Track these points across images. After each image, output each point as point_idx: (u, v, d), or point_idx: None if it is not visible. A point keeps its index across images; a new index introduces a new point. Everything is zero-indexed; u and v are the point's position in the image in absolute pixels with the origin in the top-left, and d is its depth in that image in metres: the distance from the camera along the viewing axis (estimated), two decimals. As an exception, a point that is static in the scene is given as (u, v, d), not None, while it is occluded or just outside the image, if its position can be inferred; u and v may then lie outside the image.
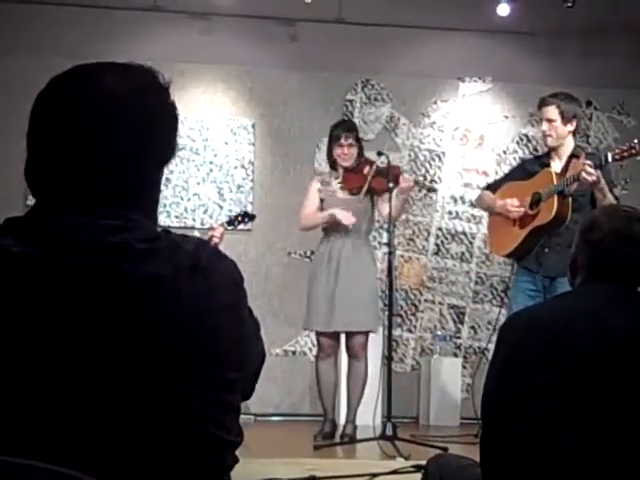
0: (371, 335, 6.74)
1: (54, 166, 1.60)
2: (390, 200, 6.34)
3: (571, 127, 5.95)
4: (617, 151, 5.60)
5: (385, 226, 6.83)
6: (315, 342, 6.91)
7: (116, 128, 1.61)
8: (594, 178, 5.52)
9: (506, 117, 8.59)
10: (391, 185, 6.36)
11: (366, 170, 6.56)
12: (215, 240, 6.29)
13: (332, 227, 6.58)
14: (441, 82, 8.50)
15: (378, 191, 6.57)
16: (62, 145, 1.60)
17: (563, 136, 5.95)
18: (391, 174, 6.39)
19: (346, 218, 6.49)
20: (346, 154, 6.59)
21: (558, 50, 8.42)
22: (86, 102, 1.61)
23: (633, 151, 5.50)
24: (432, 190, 6.70)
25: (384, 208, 6.56)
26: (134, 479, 1.51)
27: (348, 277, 6.50)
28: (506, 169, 7.86)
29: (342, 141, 6.59)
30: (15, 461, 1.38)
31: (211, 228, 6.63)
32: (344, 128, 6.70)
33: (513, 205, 6.00)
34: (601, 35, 8.36)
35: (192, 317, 1.57)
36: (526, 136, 8.56)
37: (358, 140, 6.67)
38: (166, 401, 1.55)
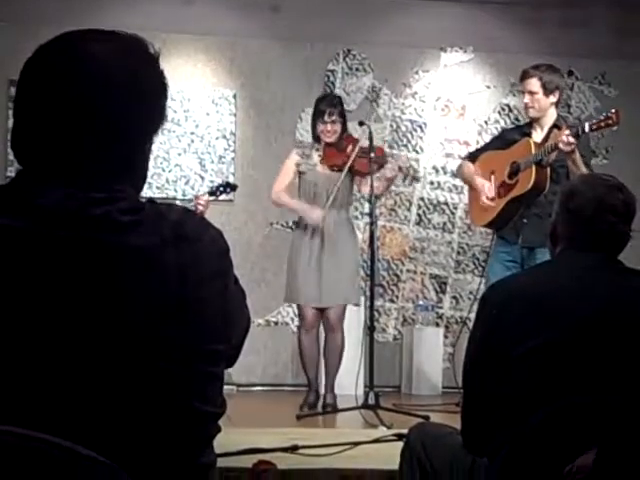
0: (354, 306, 6.76)
1: (41, 133, 1.59)
2: (372, 181, 6.34)
3: (553, 99, 5.96)
4: (594, 121, 5.61)
5: (367, 196, 6.83)
6: (297, 314, 6.94)
7: (103, 95, 1.59)
8: (572, 147, 5.53)
9: (488, 87, 8.58)
10: (375, 167, 6.36)
11: (349, 149, 6.52)
12: (200, 208, 6.26)
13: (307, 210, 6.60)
14: (423, 52, 8.48)
15: (360, 173, 6.56)
16: (49, 112, 1.58)
17: (545, 108, 5.95)
18: (375, 157, 6.37)
19: (313, 218, 6.48)
20: (329, 131, 6.57)
21: (540, 20, 8.41)
22: (73, 69, 1.59)
23: (610, 121, 5.51)
24: (416, 180, 6.73)
25: (365, 189, 6.58)
26: (115, 450, 1.51)
27: (333, 252, 6.51)
28: (488, 139, 7.86)
29: (326, 118, 6.55)
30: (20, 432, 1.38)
31: (196, 197, 6.60)
32: (328, 103, 6.63)
33: (487, 195, 6.04)
34: (583, 5, 8.35)
35: (177, 288, 1.57)
36: (508, 106, 8.56)
37: (342, 115, 6.63)
38: (150, 373, 1.55)
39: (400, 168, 6.54)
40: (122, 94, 1.61)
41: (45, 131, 1.59)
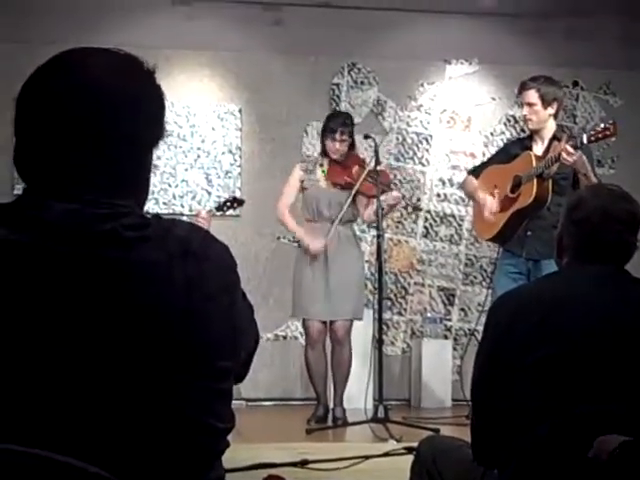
0: (361, 318, 6.77)
1: (43, 154, 1.60)
2: (378, 203, 6.37)
3: (552, 110, 5.98)
4: (592, 133, 5.62)
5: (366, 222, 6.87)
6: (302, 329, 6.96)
7: (102, 111, 1.60)
8: (575, 158, 5.54)
9: (493, 99, 8.60)
10: (380, 190, 6.39)
11: (354, 169, 6.57)
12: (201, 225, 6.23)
13: (314, 219, 6.61)
14: (427, 65, 8.50)
15: (365, 195, 6.61)
16: (49, 131, 1.59)
17: (544, 120, 5.98)
18: (380, 182, 6.41)
19: (313, 250, 6.52)
20: (338, 149, 6.62)
21: (544, 31, 8.42)
22: (71, 87, 1.60)
23: (608, 132, 5.52)
24: (418, 209, 6.84)
25: (365, 212, 6.63)
26: (123, 465, 1.52)
27: (338, 266, 6.53)
28: (494, 151, 7.87)
29: (337, 136, 6.61)
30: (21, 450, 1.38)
31: (196, 214, 6.58)
32: (341, 122, 6.66)
33: (491, 210, 6.06)
34: (588, 15, 8.36)
35: (185, 303, 1.57)
36: (513, 117, 8.56)
37: (351, 135, 6.68)
38: (158, 389, 1.55)
39: (403, 197, 6.59)
40: (121, 110, 1.62)
41: (47, 149, 1.60)
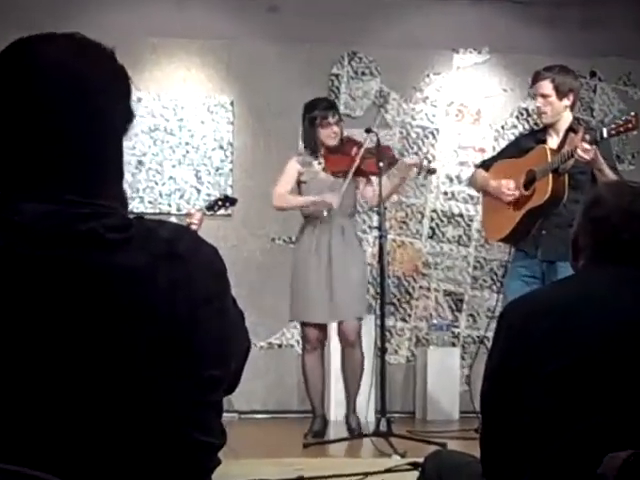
0: (363, 325, 6.76)
1: (8, 151, 1.59)
2: (380, 182, 6.36)
3: (567, 102, 5.97)
4: (613, 126, 5.61)
5: (375, 209, 6.85)
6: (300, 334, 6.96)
7: (71, 101, 1.59)
8: (591, 155, 5.53)
9: (504, 90, 8.61)
10: (381, 165, 6.38)
11: (353, 151, 6.55)
12: (193, 227, 6.26)
13: (313, 213, 6.58)
14: (434, 54, 8.51)
15: (367, 173, 6.58)
16: (10, 126, 1.58)
17: (559, 111, 5.97)
18: (383, 155, 6.41)
19: (331, 201, 6.48)
20: (335, 132, 6.61)
21: (559, 18, 8.43)
22: (36, 78, 1.59)
23: (629, 125, 5.51)
24: (432, 172, 6.79)
25: (369, 191, 6.60)
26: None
27: (342, 264, 6.53)
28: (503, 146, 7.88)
29: (330, 120, 6.58)
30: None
31: (188, 214, 6.60)
32: (327, 106, 6.69)
33: (508, 188, 6.02)
34: (604, 1, 8.36)
35: (169, 309, 1.56)
36: (526, 110, 8.57)
37: (341, 117, 6.72)
38: (144, 400, 1.54)
39: (416, 163, 6.62)
40: (90, 95, 1.61)
41: (12, 147, 1.59)
